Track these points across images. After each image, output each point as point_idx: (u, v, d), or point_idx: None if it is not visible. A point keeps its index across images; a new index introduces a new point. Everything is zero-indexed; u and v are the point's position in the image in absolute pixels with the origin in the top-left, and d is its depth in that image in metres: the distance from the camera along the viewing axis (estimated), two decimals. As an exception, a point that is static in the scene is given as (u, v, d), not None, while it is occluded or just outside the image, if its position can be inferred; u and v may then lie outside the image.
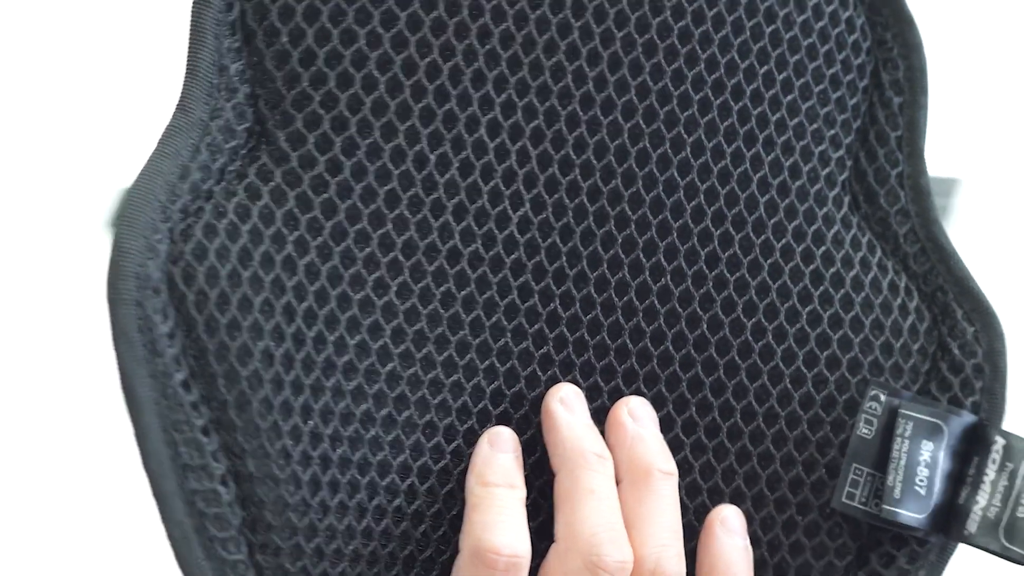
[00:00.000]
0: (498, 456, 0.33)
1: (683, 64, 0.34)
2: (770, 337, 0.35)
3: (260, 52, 0.33)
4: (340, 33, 0.33)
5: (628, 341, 0.35)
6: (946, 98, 0.94)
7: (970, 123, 0.89)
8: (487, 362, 0.34)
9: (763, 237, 0.35)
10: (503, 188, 0.34)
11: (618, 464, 0.34)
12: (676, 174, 0.35)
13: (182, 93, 0.32)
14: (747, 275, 0.35)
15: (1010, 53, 0.93)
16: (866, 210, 0.36)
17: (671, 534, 0.33)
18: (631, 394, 0.35)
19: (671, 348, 0.35)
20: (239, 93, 0.33)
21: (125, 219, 0.30)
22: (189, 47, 0.32)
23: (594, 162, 0.34)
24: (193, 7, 0.32)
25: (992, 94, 0.92)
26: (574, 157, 0.34)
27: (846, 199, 0.36)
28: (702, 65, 0.34)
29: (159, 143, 0.31)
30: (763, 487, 0.35)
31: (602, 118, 0.34)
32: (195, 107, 0.32)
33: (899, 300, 0.36)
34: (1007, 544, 0.33)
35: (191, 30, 0.32)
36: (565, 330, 0.34)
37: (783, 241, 0.35)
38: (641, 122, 0.34)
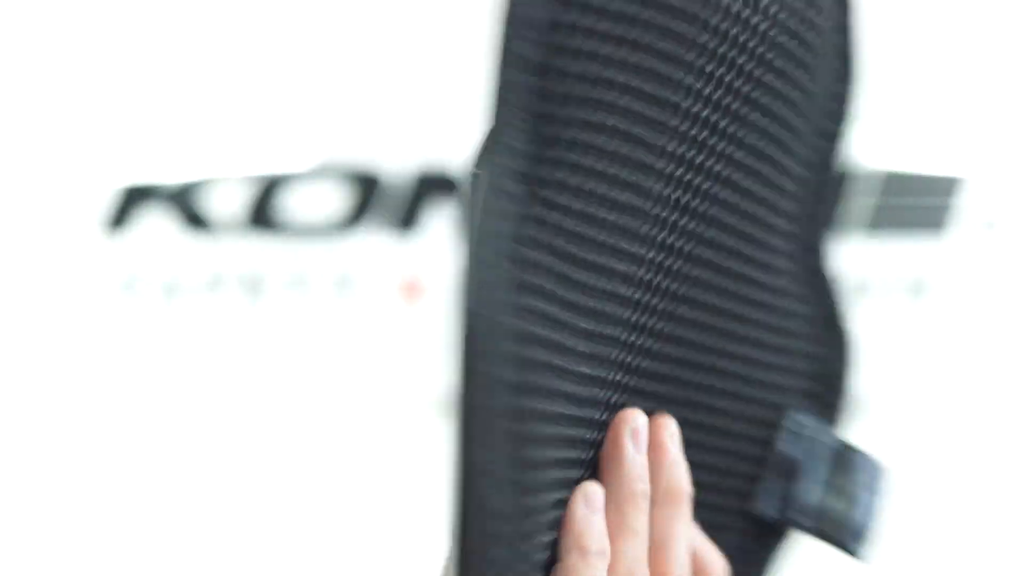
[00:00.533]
0: (594, 519, 0.34)
1: None
2: (739, 364, 0.39)
3: (552, 91, 0.32)
4: (623, 85, 0.32)
5: (661, 366, 0.37)
6: (946, 98, 0.93)
7: (971, 123, 0.89)
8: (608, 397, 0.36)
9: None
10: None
11: (655, 485, 0.36)
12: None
13: (493, 126, 0.31)
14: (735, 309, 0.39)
15: (1010, 53, 0.92)
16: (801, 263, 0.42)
17: (689, 554, 0.37)
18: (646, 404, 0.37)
19: (683, 373, 0.38)
20: (525, 130, 0.31)
21: (482, 306, 0.30)
22: (497, 80, 0.31)
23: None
24: (503, 40, 0.31)
25: (993, 94, 0.91)
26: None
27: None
28: None
29: (487, 189, 0.30)
30: (715, 494, 0.39)
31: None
32: (507, 137, 0.31)
33: (808, 331, 0.42)
34: (820, 526, 0.41)
35: (500, 63, 0.31)
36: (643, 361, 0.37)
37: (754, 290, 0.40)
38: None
